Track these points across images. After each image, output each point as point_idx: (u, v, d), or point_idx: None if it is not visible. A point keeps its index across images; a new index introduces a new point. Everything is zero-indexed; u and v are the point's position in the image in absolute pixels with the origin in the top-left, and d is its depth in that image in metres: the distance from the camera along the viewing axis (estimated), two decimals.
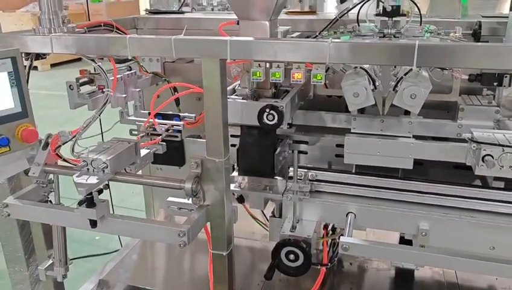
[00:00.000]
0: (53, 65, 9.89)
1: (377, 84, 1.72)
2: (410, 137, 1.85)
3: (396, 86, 1.67)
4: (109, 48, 1.70)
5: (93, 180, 1.64)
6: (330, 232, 2.27)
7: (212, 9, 3.98)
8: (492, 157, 1.53)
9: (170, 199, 1.93)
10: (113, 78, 1.96)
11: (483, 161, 1.54)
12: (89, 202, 1.64)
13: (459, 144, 1.73)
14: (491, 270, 1.63)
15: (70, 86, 1.92)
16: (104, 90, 1.91)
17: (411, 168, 1.85)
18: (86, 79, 1.98)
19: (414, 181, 1.93)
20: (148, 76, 2.42)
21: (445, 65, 1.47)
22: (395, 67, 1.82)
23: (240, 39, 1.52)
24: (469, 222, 1.81)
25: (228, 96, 1.97)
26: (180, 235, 1.60)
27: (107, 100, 1.85)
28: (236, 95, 2.01)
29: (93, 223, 1.68)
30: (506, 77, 1.75)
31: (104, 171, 1.68)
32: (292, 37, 2.14)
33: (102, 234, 3.50)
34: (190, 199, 1.74)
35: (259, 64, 1.68)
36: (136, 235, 1.72)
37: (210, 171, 1.70)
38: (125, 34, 2.49)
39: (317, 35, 2.08)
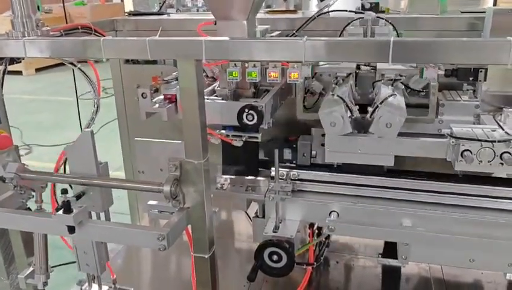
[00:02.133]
0: (38, 70, 9.78)
1: (353, 110, 1.72)
2: None
3: (373, 113, 1.67)
4: (84, 50, 1.66)
5: None
6: (316, 231, 2.26)
7: (197, 10, 3.95)
8: (471, 152, 1.53)
9: (150, 202, 1.91)
10: None
11: (462, 156, 1.54)
12: (66, 207, 1.62)
13: (439, 139, 1.73)
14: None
15: (143, 94, 1.84)
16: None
17: (392, 165, 1.84)
18: (157, 86, 1.89)
19: (396, 178, 1.93)
20: None
21: (420, 61, 1.46)
22: (373, 88, 1.82)
23: (214, 39, 1.50)
24: (451, 218, 1.82)
25: (207, 97, 1.96)
26: (160, 239, 1.57)
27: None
28: (216, 96, 2.00)
29: (71, 229, 1.65)
30: (481, 71, 1.75)
31: None
32: (272, 36, 2.13)
33: None
34: (170, 202, 1.71)
35: (235, 64, 1.66)
36: (115, 241, 1.69)
37: (189, 173, 1.67)
38: (104, 36, 2.48)
39: (293, 34, 2.07)
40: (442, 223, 1.81)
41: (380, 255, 2.49)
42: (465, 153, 1.53)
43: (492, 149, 1.52)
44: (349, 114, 1.73)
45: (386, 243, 2.24)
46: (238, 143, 1.91)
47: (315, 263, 2.31)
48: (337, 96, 1.72)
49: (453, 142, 1.58)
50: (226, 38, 1.51)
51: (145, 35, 1.90)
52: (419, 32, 2.15)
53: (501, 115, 1.84)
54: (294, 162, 2.08)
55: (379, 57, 1.38)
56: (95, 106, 1.88)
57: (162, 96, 1.89)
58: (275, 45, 1.45)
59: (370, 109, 1.71)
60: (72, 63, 1.92)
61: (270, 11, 2.73)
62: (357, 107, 1.80)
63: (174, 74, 1.95)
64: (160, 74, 1.91)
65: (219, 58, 1.51)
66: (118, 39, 1.63)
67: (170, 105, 1.85)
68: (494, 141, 1.51)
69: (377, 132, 1.70)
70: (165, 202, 1.70)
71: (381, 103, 1.67)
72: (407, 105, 1.71)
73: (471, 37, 2.14)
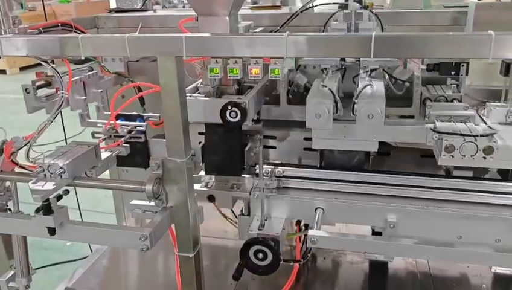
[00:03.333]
0: (22, 68, 9.66)
1: (339, 109, 1.72)
2: None
3: (353, 108, 1.67)
4: (62, 48, 1.63)
5: (49, 186, 1.58)
6: (303, 227, 2.25)
7: (184, 7, 3.89)
8: (454, 147, 1.52)
9: (134, 201, 1.88)
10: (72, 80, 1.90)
11: (445, 150, 1.53)
12: (45, 209, 1.58)
13: (419, 126, 1.74)
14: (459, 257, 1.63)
15: (26, 89, 1.85)
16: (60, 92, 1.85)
17: (376, 150, 1.84)
18: (42, 82, 1.91)
19: (380, 173, 1.92)
20: (110, 76, 2.35)
21: (402, 55, 1.45)
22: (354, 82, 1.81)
23: (195, 36, 1.48)
24: (436, 213, 1.81)
25: (190, 95, 1.94)
26: (142, 239, 1.55)
27: (62, 103, 1.78)
28: (199, 93, 1.97)
29: (52, 231, 1.62)
30: (463, 66, 1.75)
31: (61, 176, 1.62)
32: (254, 32, 2.11)
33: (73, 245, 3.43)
34: (153, 201, 1.69)
35: (216, 61, 1.63)
36: (96, 241, 1.67)
37: (171, 172, 1.65)
38: (85, 33, 2.44)
39: (277, 30, 2.05)
40: (428, 218, 1.81)
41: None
42: (448, 147, 1.52)
43: (475, 143, 1.51)
44: (334, 110, 1.72)
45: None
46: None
47: (302, 260, 2.29)
48: (329, 89, 1.71)
49: (435, 137, 1.58)
50: (207, 34, 1.49)
51: (128, 33, 1.86)
52: (403, 27, 2.15)
53: (484, 109, 1.85)
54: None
55: (361, 52, 1.37)
56: (62, 101, 1.85)
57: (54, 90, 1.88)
58: (256, 40, 1.43)
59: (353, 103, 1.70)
60: (46, 61, 1.89)
61: (254, 6, 2.71)
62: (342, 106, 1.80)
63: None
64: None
65: (200, 55, 1.49)
66: (97, 36, 1.61)
67: (53, 100, 1.85)
68: (477, 135, 1.50)
69: (363, 125, 1.69)
70: (148, 201, 1.68)
71: (356, 98, 1.67)
72: (394, 97, 1.71)
73: (455, 31, 2.15)
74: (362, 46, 1.34)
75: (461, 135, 1.51)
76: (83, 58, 1.61)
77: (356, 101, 1.66)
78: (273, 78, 1.59)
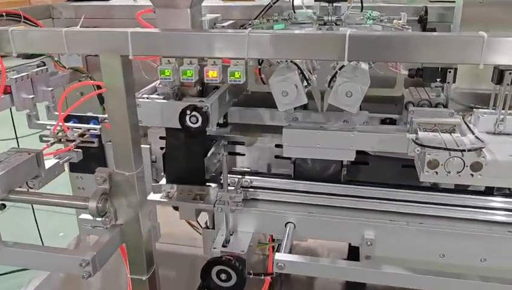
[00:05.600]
0: None
1: (310, 80, 1.51)
2: None
3: (331, 81, 1.46)
4: None
5: None
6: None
7: None
8: (438, 162, 1.35)
9: (82, 216, 1.68)
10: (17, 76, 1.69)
11: (428, 166, 1.36)
12: None
13: (400, 134, 1.57)
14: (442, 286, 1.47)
15: None
16: None
17: (353, 159, 1.67)
18: None
19: (357, 186, 1.75)
20: (66, 72, 2.13)
21: (381, 59, 1.27)
22: None
23: (142, 31, 1.28)
24: (417, 229, 1.65)
25: (147, 96, 1.73)
26: (83, 265, 1.35)
27: None
28: (157, 94, 1.76)
29: None
30: (449, 72, 1.57)
31: None
32: (222, 27, 1.91)
33: None
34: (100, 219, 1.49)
35: (168, 61, 1.43)
36: (32, 266, 1.46)
37: (120, 186, 1.45)
38: (36, 24, 2.21)
39: (250, 24, 1.85)
40: (408, 235, 1.65)
41: (344, 259, 2.35)
42: (432, 162, 1.34)
43: (461, 159, 1.34)
44: (305, 83, 1.53)
45: (351, 247, 2.08)
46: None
47: (274, 273, 2.12)
48: (291, 61, 1.52)
49: (418, 150, 1.40)
50: (156, 30, 1.29)
51: (87, 24, 1.67)
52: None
53: (471, 115, 1.68)
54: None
55: (333, 53, 1.18)
56: None
57: None
58: (213, 38, 1.23)
59: (328, 78, 1.52)
60: None
61: None
62: (315, 77, 1.61)
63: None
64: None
65: (148, 54, 1.29)
66: (30, 30, 1.38)
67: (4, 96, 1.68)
68: (464, 150, 1.33)
69: (336, 103, 1.49)
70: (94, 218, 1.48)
71: (340, 69, 1.47)
72: (371, 99, 1.53)
73: (441, 29, 1.97)
74: (335, 47, 1.15)
75: (446, 149, 1.33)
76: (15, 55, 1.39)
77: (338, 70, 1.45)
78: (234, 83, 1.39)
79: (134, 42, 1.26)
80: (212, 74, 1.38)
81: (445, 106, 1.79)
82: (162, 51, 1.29)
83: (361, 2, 1.80)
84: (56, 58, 2.11)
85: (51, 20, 2.38)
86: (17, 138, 2.47)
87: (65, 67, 2.14)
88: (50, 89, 1.95)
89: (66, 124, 1.85)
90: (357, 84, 1.38)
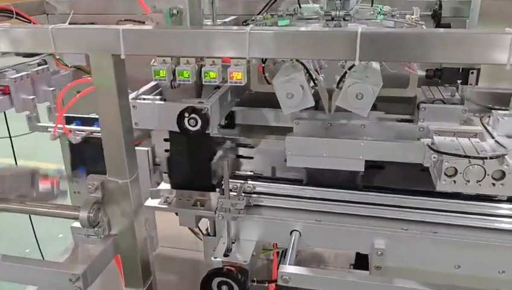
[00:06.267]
0: None
1: (317, 80, 1.40)
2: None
3: (340, 82, 1.35)
4: None
5: None
6: None
7: None
8: (457, 170, 1.24)
9: (74, 224, 1.58)
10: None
11: (446, 175, 1.25)
12: None
13: (416, 142, 1.45)
14: None
15: None
16: None
17: (362, 170, 1.56)
18: None
19: (367, 192, 1.64)
20: (68, 71, 2.03)
21: (396, 58, 1.16)
22: None
23: (135, 28, 1.17)
24: (431, 239, 1.55)
25: (145, 97, 1.64)
26: (73, 280, 1.26)
27: None
28: (156, 94, 1.67)
29: None
30: (472, 73, 1.45)
31: None
32: (224, 23, 1.80)
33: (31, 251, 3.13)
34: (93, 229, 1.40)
35: (163, 61, 1.32)
36: (18, 280, 1.36)
37: (113, 194, 1.36)
38: (30, 20, 2.11)
39: (253, 20, 1.74)
40: (421, 245, 1.55)
41: (351, 266, 2.25)
42: (450, 171, 1.24)
43: (482, 167, 1.23)
44: (311, 84, 1.41)
45: (358, 253, 1.97)
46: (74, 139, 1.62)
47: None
48: (297, 60, 1.40)
49: (434, 157, 1.29)
50: (150, 27, 1.18)
51: (83, 20, 1.57)
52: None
53: (489, 117, 1.57)
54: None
55: (343, 53, 1.07)
56: None
57: None
58: (211, 36, 1.13)
59: (337, 77, 1.40)
60: None
61: None
62: (322, 76, 1.49)
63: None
64: None
65: (141, 53, 1.18)
66: (14, 28, 1.28)
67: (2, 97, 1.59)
68: (485, 158, 1.22)
69: (345, 105, 1.37)
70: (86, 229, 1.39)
71: (349, 69, 1.35)
72: (383, 99, 1.42)
73: (456, 23, 1.86)
74: (344, 46, 1.05)
75: (466, 156, 1.22)
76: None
77: (347, 70, 1.33)
78: (234, 85, 1.29)
79: (127, 40, 1.16)
80: (211, 75, 1.27)
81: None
82: (156, 49, 1.19)
83: None
84: (58, 56, 2.01)
85: (46, 16, 2.28)
86: (10, 137, 2.37)
87: (67, 66, 2.04)
88: (51, 89, 1.86)
89: (69, 126, 1.76)
90: (368, 85, 1.26)
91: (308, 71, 1.35)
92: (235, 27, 1.30)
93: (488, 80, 1.66)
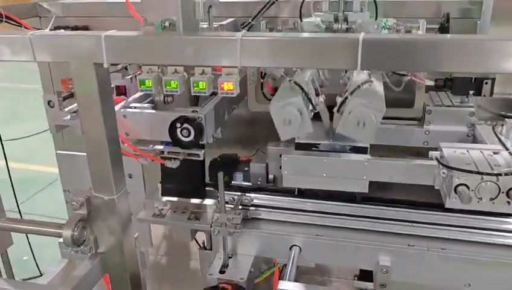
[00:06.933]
0: None
1: (317, 104, 1.29)
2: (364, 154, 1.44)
3: (341, 105, 1.24)
4: None
5: None
6: None
7: None
8: (468, 187, 1.14)
9: (62, 240, 1.50)
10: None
11: (455, 192, 1.15)
12: None
13: (425, 162, 1.34)
14: None
15: (49, 102, 1.49)
16: None
17: (366, 191, 1.46)
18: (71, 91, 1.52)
19: (371, 205, 1.55)
20: None
21: (402, 67, 1.06)
22: (345, 72, 1.38)
23: (119, 35, 1.08)
24: (439, 255, 1.45)
25: (136, 105, 1.55)
26: None
27: None
28: (148, 103, 1.58)
29: None
30: (486, 83, 1.34)
31: None
32: (221, 26, 1.71)
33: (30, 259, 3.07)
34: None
35: (150, 70, 1.23)
36: None
37: (99, 211, 1.27)
38: (21, 24, 2.03)
39: (249, 23, 1.65)
40: (429, 262, 1.45)
41: (356, 278, 2.15)
42: (461, 188, 1.14)
43: (496, 183, 1.13)
44: (310, 107, 1.30)
45: None
46: (172, 164, 1.50)
47: None
48: (294, 82, 1.28)
49: (443, 173, 1.19)
50: (135, 33, 1.09)
51: (75, 23, 1.48)
52: (402, 19, 1.73)
53: (502, 126, 1.47)
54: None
55: (344, 61, 0.98)
56: None
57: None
58: (200, 43, 1.04)
59: (339, 100, 1.29)
60: None
61: None
62: (323, 97, 1.38)
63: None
64: None
65: (125, 62, 1.10)
66: None
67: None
68: (500, 175, 1.12)
69: (346, 132, 1.26)
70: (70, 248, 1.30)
71: (351, 93, 1.24)
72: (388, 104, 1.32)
73: (466, 26, 1.75)
74: (344, 54, 0.96)
75: (478, 173, 1.12)
76: None
77: (348, 95, 1.22)
78: (225, 96, 1.19)
79: (109, 48, 1.07)
80: (201, 85, 1.17)
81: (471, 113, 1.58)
82: (142, 58, 1.10)
83: (376, 7, 1.57)
84: None
85: (38, 19, 2.19)
86: (1, 141, 2.29)
87: None
88: None
89: None
90: (371, 110, 1.15)
91: (306, 95, 1.24)
92: (225, 33, 1.21)
93: (501, 86, 1.55)
